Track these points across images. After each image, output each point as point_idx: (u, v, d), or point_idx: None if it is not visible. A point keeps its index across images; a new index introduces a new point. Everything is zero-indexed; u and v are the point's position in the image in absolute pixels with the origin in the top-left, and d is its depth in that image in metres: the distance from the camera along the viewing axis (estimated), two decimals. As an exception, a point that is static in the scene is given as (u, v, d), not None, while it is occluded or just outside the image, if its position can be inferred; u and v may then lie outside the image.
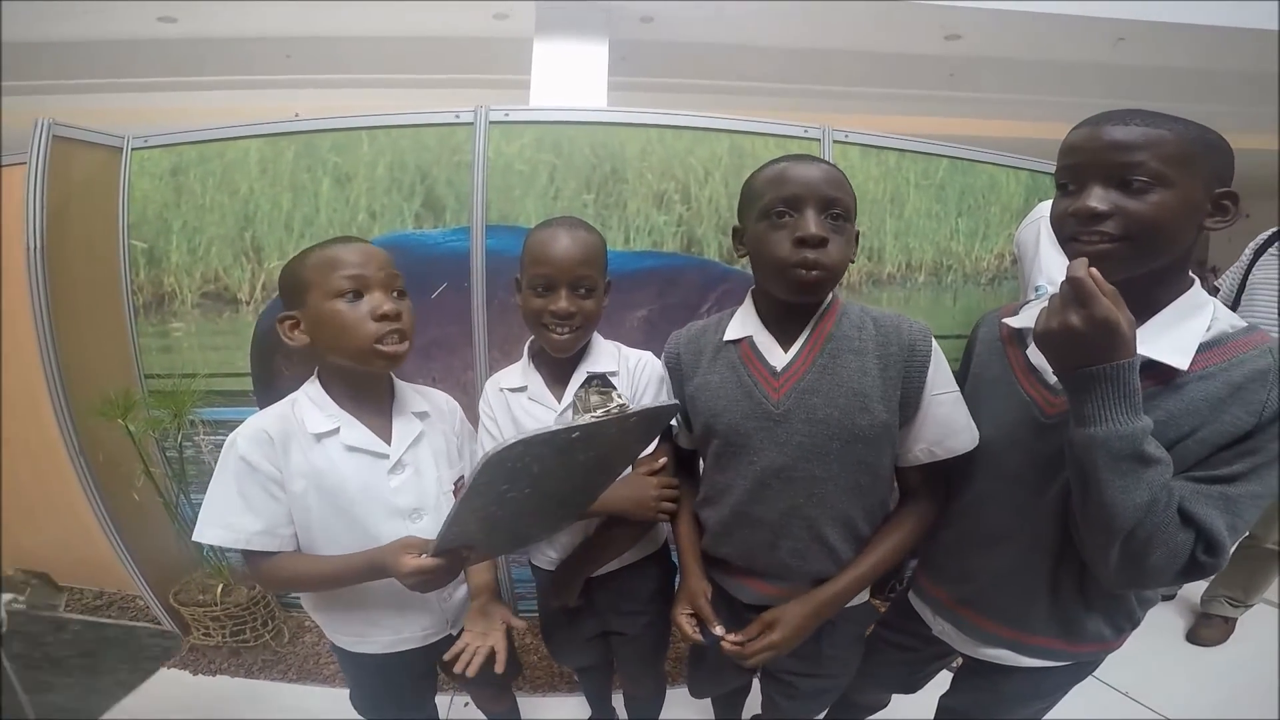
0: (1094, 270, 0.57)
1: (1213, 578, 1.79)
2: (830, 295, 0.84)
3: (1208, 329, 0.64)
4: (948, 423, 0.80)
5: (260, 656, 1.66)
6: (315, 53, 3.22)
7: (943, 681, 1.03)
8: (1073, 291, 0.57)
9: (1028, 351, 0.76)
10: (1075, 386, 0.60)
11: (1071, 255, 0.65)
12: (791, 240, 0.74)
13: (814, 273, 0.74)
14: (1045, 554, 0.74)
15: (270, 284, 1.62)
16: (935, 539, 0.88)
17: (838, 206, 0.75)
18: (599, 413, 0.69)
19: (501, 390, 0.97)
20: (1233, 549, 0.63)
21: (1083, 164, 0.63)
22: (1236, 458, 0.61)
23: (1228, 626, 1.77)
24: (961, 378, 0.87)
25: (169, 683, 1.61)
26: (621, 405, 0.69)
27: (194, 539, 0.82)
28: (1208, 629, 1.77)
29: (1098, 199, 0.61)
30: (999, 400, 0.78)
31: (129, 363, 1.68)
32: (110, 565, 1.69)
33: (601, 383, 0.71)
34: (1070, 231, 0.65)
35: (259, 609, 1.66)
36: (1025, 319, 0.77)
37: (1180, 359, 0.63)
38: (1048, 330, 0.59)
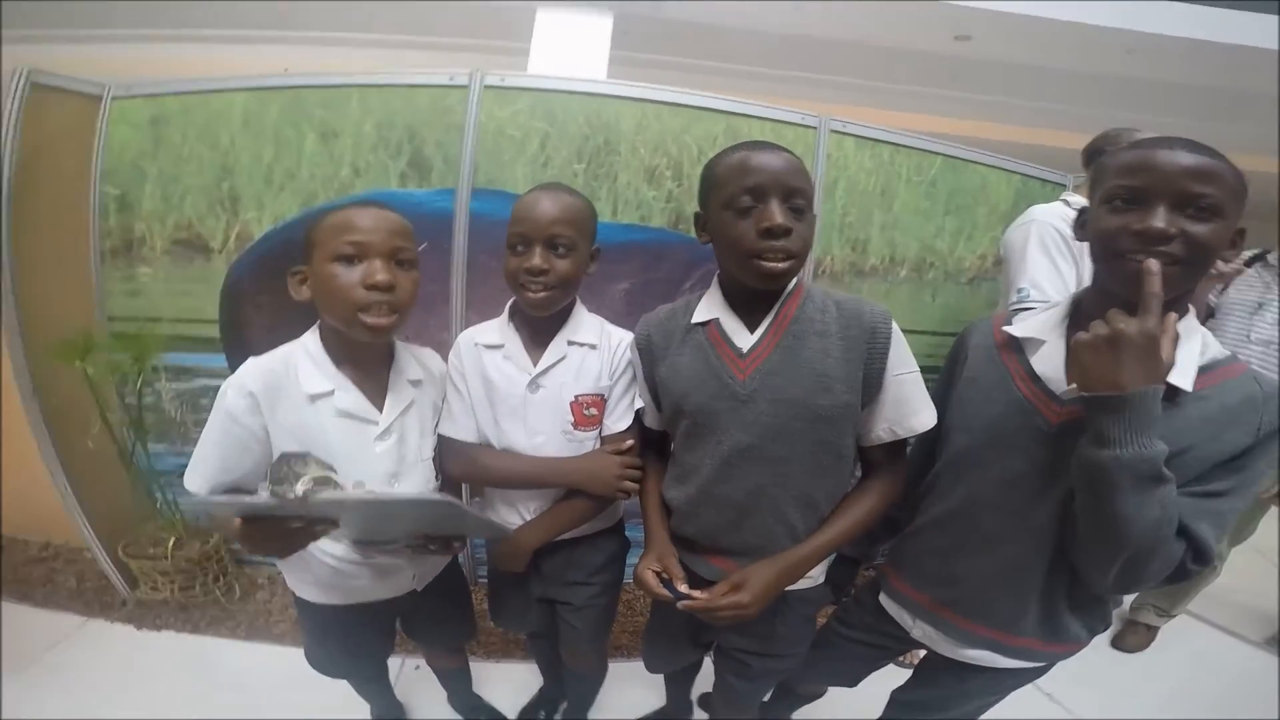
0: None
1: None
2: (794, 279, 0.88)
3: (1201, 354, 0.70)
4: (908, 401, 0.85)
5: (209, 613, 1.68)
6: (312, 10, 3.19)
7: (882, 674, 1.09)
8: (1142, 298, 0.61)
9: (1032, 359, 0.79)
10: (1102, 408, 0.63)
11: (1119, 272, 0.68)
12: (757, 230, 0.77)
13: (780, 263, 0.78)
14: (1039, 558, 0.79)
15: (245, 234, 1.65)
16: (920, 542, 0.92)
17: (800, 195, 0.78)
18: (270, 495, 0.70)
19: (476, 345, 1.00)
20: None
21: (1152, 184, 0.64)
22: (1228, 474, 0.68)
23: (1150, 634, 1.89)
24: (946, 382, 0.92)
25: (112, 637, 1.62)
26: (299, 495, 0.68)
27: (184, 483, 0.85)
28: (1133, 635, 1.88)
29: (1166, 220, 0.63)
30: (996, 406, 0.81)
31: (91, 307, 1.69)
32: (58, 516, 1.69)
33: (302, 464, 0.72)
34: (1123, 247, 0.66)
35: (211, 564, 1.68)
36: (1027, 329, 0.82)
37: (1184, 380, 0.67)
38: (1094, 337, 0.63)
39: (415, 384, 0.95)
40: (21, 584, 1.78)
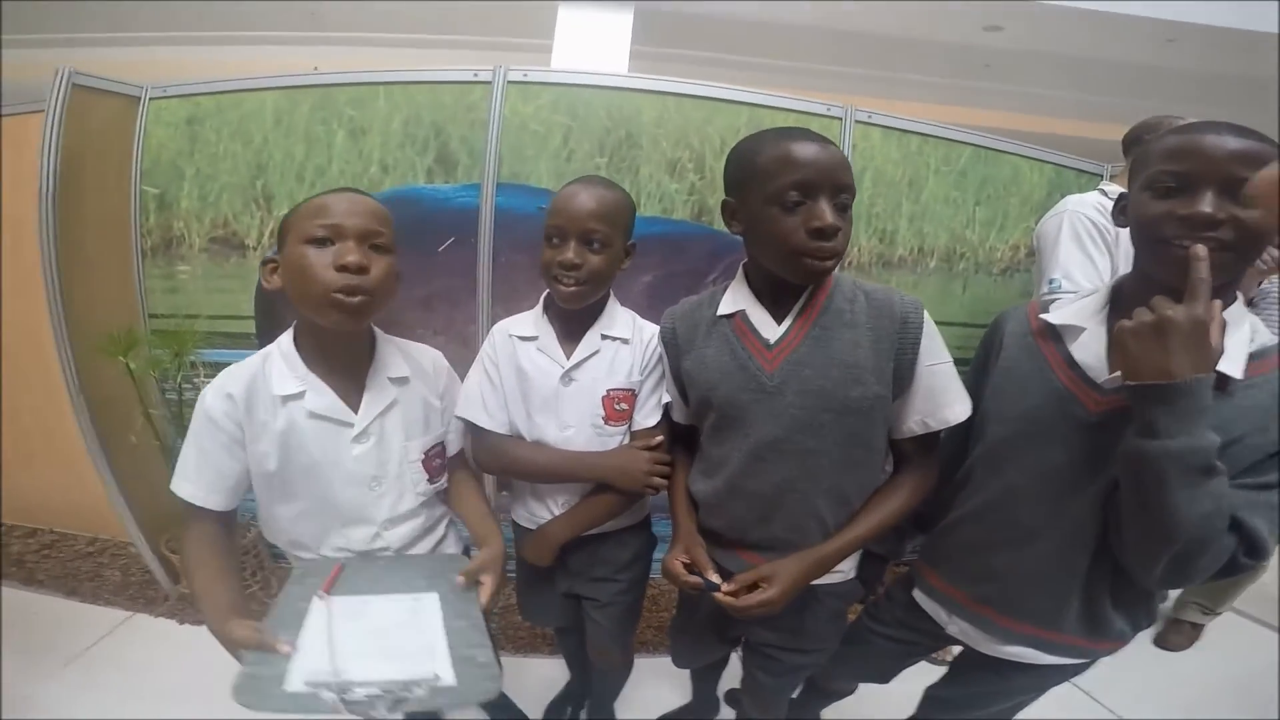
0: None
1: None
2: None
3: (1251, 341, 0.68)
4: (942, 393, 0.84)
5: (247, 607, 1.69)
6: (340, 11, 3.28)
7: (914, 671, 1.08)
8: (1189, 283, 0.60)
9: (1071, 347, 0.78)
10: (1149, 398, 0.62)
11: (1163, 258, 0.66)
12: (806, 229, 0.74)
13: (826, 261, 0.76)
14: (1080, 552, 0.77)
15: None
16: (955, 536, 0.90)
17: (847, 191, 0.76)
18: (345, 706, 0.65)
19: (511, 336, 1.01)
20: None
21: (1199, 169, 0.64)
22: None
23: (1195, 632, 1.85)
24: (980, 371, 0.90)
25: (154, 632, 1.66)
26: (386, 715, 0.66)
27: (173, 489, 0.85)
28: (1176, 634, 1.84)
29: (1214, 205, 0.62)
30: (1033, 395, 0.80)
31: (134, 304, 1.75)
32: (104, 511, 1.75)
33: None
34: (1169, 233, 0.65)
35: (249, 559, 1.72)
36: (1065, 315, 0.80)
37: (1234, 368, 0.66)
38: (1140, 324, 0.62)
39: (399, 382, 0.91)
40: (69, 579, 1.83)
